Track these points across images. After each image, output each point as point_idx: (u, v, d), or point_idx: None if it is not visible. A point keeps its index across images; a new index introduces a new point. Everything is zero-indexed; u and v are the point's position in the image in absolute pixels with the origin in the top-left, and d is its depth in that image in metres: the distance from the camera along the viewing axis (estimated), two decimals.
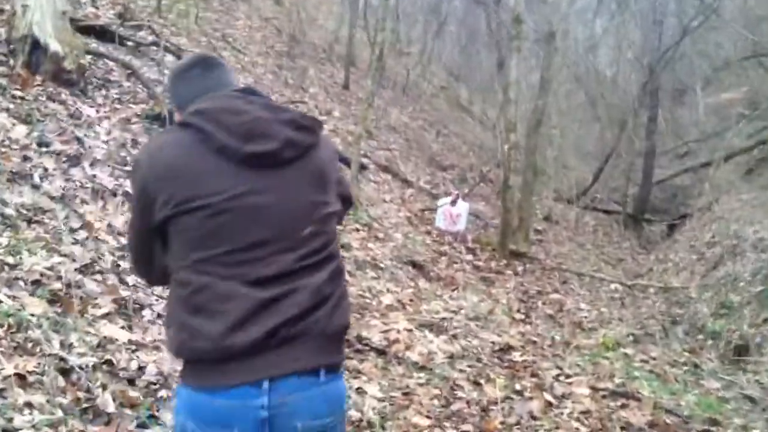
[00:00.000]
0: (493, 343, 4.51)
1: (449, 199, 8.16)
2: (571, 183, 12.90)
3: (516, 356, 4.35)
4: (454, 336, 4.42)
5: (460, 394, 3.49)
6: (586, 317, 6.73)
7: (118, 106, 4.87)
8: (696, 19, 13.87)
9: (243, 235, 1.39)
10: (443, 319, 4.72)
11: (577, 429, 3.32)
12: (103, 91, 4.99)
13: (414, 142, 12.26)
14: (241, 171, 1.39)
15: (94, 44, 5.80)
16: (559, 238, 11.10)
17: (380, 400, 3.24)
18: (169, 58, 6.47)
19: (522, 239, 8.48)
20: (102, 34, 6.32)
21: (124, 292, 3.07)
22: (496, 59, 15.44)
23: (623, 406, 3.69)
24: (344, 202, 1.61)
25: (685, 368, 4.80)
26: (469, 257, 7.34)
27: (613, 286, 8.71)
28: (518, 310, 5.87)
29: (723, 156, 11.86)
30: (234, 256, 1.38)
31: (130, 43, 6.45)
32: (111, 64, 5.49)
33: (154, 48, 6.68)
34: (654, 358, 4.88)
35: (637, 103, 14.28)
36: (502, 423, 3.21)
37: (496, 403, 3.44)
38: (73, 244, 3.24)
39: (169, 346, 1.49)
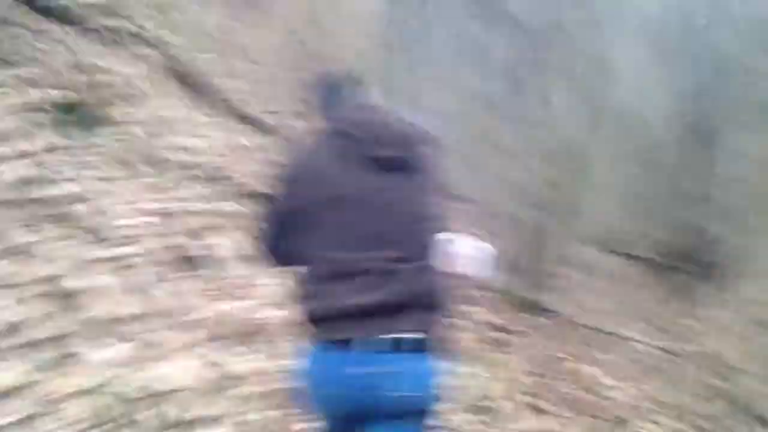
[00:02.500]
0: None
1: (459, 238, 6.83)
2: (595, 224, 11.56)
3: None
4: None
5: None
6: (614, 397, 5.39)
7: (20, 89, 3.67)
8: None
9: (367, 225, 1.69)
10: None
11: None
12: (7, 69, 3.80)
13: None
14: (367, 173, 1.71)
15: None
16: (580, 287, 9.72)
17: None
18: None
19: (539, 287, 7.18)
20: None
21: None
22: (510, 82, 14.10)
23: None
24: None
25: None
26: (476, 311, 5.92)
27: (641, 347, 7.40)
28: (526, 392, 4.52)
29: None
30: (359, 242, 1.68)
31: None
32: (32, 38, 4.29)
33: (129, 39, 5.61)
34: None
35: (672, 142, 13.09)
36: None
37: None
38: None
39: (301, 316, 1.76)
